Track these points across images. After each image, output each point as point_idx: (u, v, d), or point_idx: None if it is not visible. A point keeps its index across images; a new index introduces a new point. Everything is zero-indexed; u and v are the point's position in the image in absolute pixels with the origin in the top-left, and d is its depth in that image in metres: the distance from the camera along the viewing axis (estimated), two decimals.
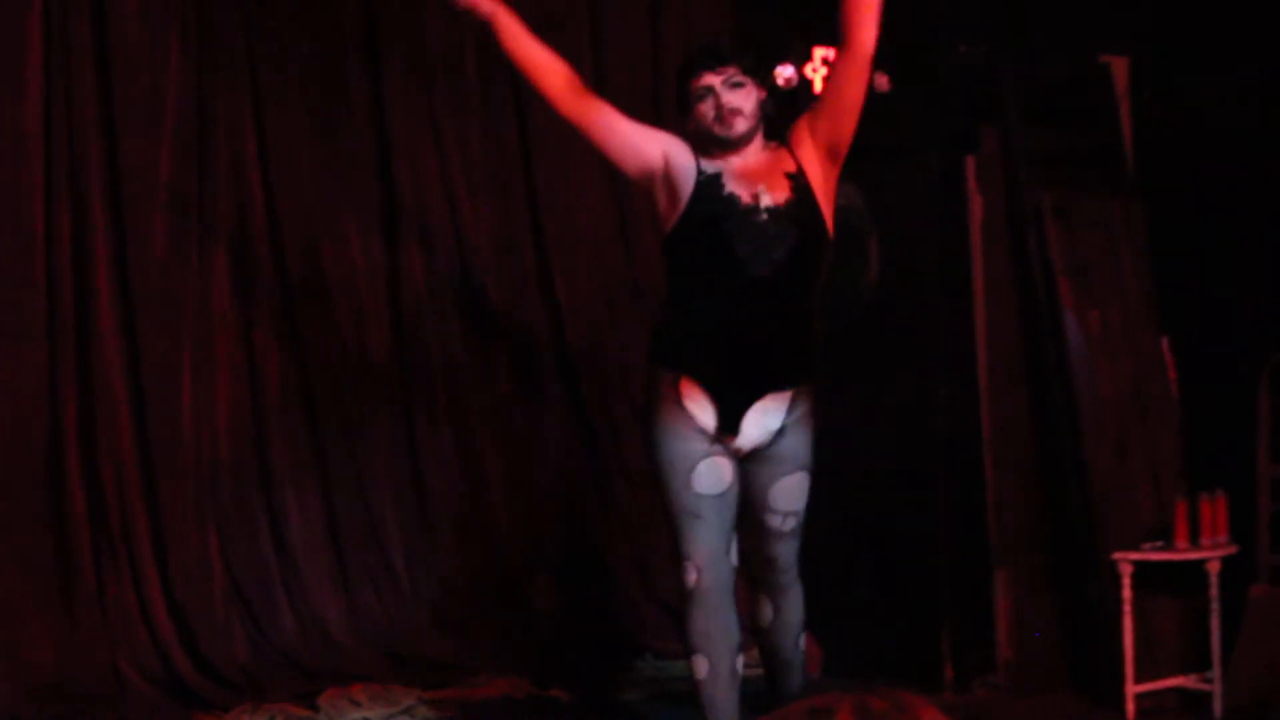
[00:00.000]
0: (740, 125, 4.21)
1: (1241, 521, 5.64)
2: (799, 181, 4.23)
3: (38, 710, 4.86)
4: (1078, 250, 6.16)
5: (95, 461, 5.18)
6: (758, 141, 4.28)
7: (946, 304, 6.20)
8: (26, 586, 5.03)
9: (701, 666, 4.29)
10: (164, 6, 5.34)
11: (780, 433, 4.30)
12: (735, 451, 4.28)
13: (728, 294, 4.19)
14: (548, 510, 5.81)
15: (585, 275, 5.91)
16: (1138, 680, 5.57)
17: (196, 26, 5.41)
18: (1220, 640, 5.53)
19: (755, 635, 4.64)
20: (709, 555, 4.27)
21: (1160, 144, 6.39)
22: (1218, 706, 5.51)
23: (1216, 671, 5.53)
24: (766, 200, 4.20)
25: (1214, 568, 5.53)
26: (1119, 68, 6.43)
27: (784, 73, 6.18)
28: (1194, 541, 5.58)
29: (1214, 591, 5.52)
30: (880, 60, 6.18)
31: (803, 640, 4.63)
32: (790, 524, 4.42)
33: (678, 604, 5.68)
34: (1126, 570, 5.59)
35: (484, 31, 4.38)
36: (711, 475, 4.26)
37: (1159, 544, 5.65)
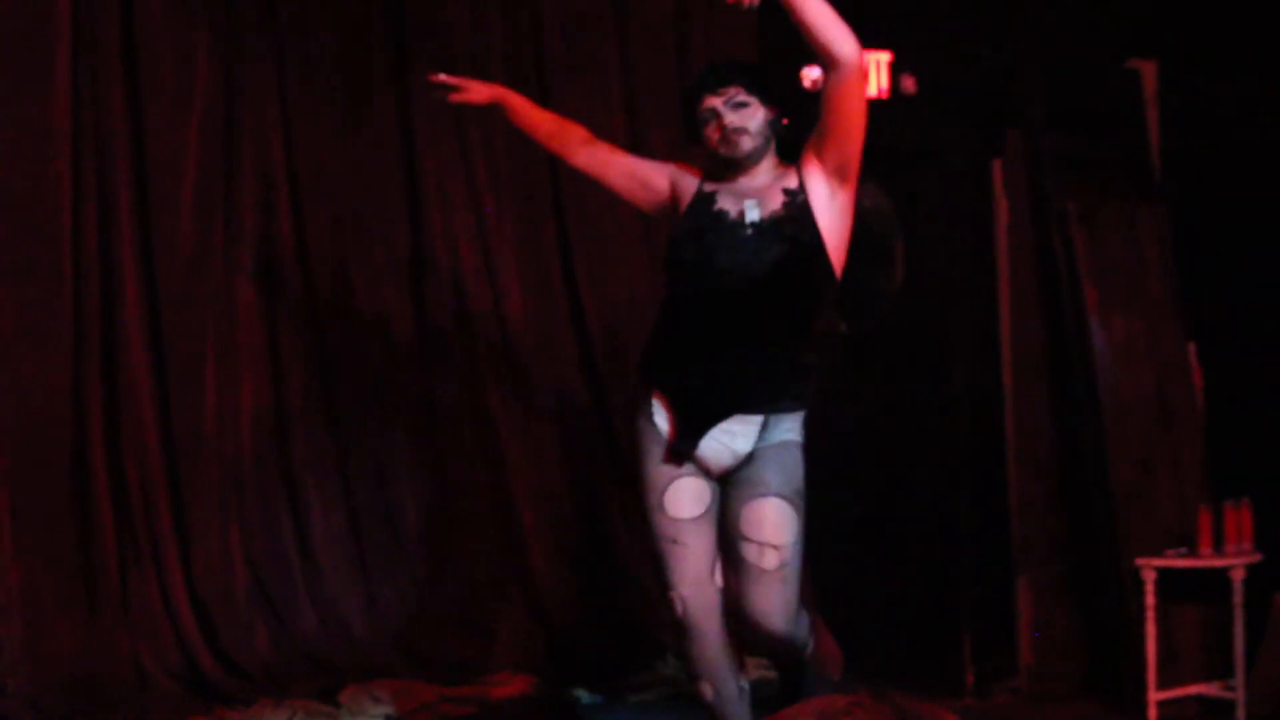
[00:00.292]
0: (745, 144, 4.10)
1: (1266, 529, 5.63)
2: (795, 198, 4.08)
3: (61, 703, 4.88)
4: (1103, 255, 6.16)
5: (120, 458, 5.20)
6: (769, 161, 4.16)
7: (971, 308, 6.20)
8: (51, 581, 5.05)
9: (706, 691, 4.23)
10: (192, 6, 5.36)
11: (750, 457, 4.08)
12: (709, 473, 4.13)
13: (702, 308, 4.08)
14: (569, 511, 5.81)
15: (611, 281, 5.92)
16: (1160, 687, 5.56)
17: (224, 26, 5.43)
18: (1244, 648, 5.51)
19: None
20: (692, 583, 4.12)
21: (1187, 149, 6.37)
22: (1240, 714, 5.50)
23: (1239, 679, 5.51)
24: (754, 214, 4.08)
25: (1238, 575, 5.51)
26: (1147, 73, 6.42)
27: (810, 74, 6.17)
28: (1218, 548, 5.57)
29: (1237, 599, 5.51)
30: (906, 63, 6.22)
31: (811, 644, 4.38)
32: (770, 560, 4.03)
33: None
34: (1149, 577, 5.58)
35: (496, 111, 4.47)
36: (685, 497, 4.11)
37: (1182, 551, 5.63)
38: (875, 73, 6.27)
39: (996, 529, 5.96)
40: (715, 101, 4.13)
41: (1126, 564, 5.70)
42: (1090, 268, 6.12)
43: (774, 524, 4.03)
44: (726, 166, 4.15)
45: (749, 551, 4.04)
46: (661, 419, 4.14)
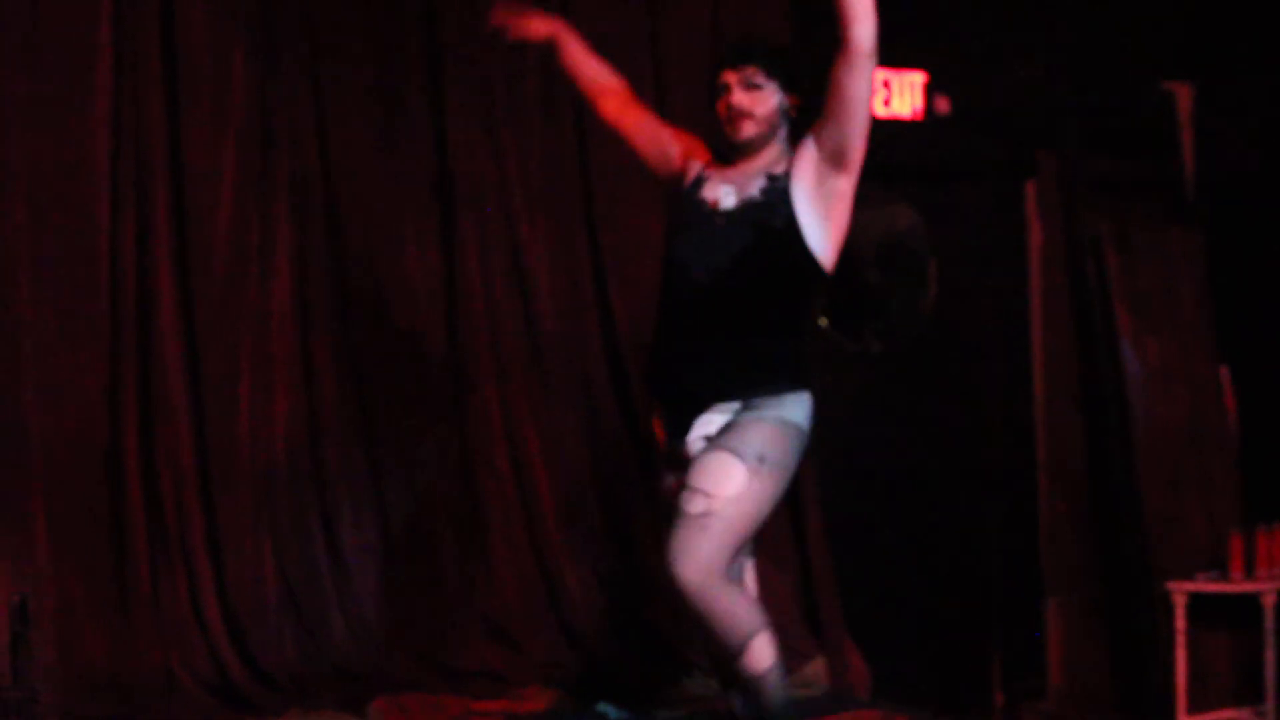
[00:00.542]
0: (747, 129, 4.03)
1: None
2: (776, 184, 3.97)
3: (92, 709, 4.90)
4: (1136, 278, 6.15)
5: (154, 465, 5.23)
6: (775, 149, 4.07)
7: (1003, 329, 6.19)
8: (84, 588, 5.08)
9: (736, 703, 4.11)
10: (230, 17, 5.41)
11: (725, 427, 3.98)
12: None
13: (678, 305, 4.03)
14: (599, 525, 5.81)
15: (641, 287, 5.92)
16: (1189, 711, 5.54)
17: (261, 40, 5.47)
18: (1275, 674, 5.48)
19: None
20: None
21: (1222, 172, 6.36)
22: None
23: (1269, 704, 5.49)
24: (728, 203, 4.00)
25: (1269, 600, 5.49)
26: (1182, 95, 6.41)
27: None
28: (1249, 573, 5.55)
29: (1269, 624, 5.48)
30: (941, 84, 6.23)
31: (756, 646, 4.02)
32: (694, 505, 3.86)
33: None
34: (1180, 600, 5.56)
35: (546, 49, 4.42)
36: None
37: (1214, 575, 5.62)
38: (910, 94, 6.30)
39: (1027, 550, 5.95)
40: (732, 77, 4.07)
41: (1157, 587, 5.68)
42: (1123, 290, 6.12)
43: (710, 473, 3.89)
44: (730, 148, 4.09)
45: (682, 496, 3.94)
46: (660, 424, 4.14)
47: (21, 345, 5.07)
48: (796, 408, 3.98)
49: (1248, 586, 5.50)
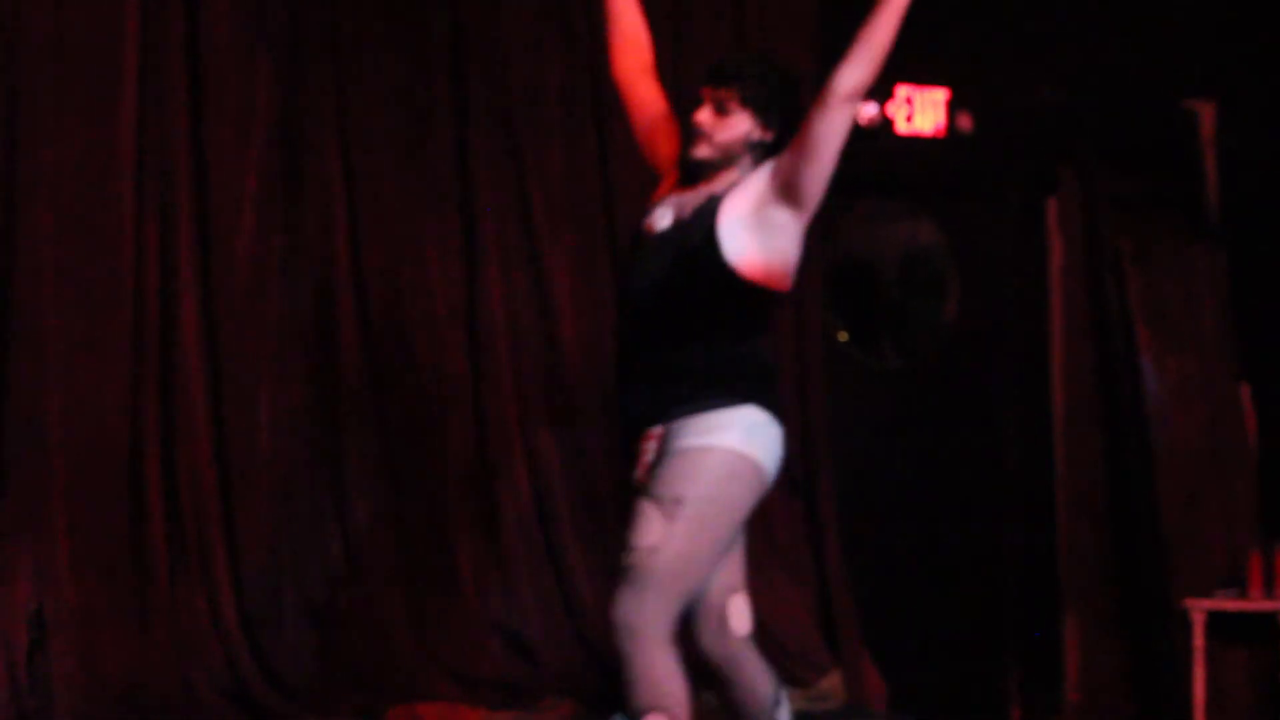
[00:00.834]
0: (701, 150, 3.81)
1: None
2: (710, 205, 3.75)
3: (109, 716, 4.93)
4: (1156, 295, 6.15)
5: (174, 475, 5.26)
6: (731, 175, 3.82)
7: (1023, 345, 6.19)
8: (102, 595, 5.11)
9: None
10: (255, 28, 5.44)
11: (655, 465, 3.77)
12: None
13: (619, 333, 3.96)
14: (618, 534, 5.82)
15: None
16: None
17: (287, 53, 5.51)
18: None
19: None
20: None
21: (1244, 191, 6.36)
22: None
23: None
24: (664, 223, 3.84)
25: None
26: (1205, 113, 6.41)
27: (867, 111, 6.20)
28: (1268, 591, 5.53)
29: None
30: (963, 101, 6.24)
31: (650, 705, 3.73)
32: (622, 556, 3.67)
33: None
34: (1198, 618, 5.55)
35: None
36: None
37: (1232, 592, 5.60)
38: (932, 110, 6.31)
39: (1045, 565, 5.94)
40: (707, 93, 3.86)
41: (1175, 604, 5.67)
42: (1143, 307, 6.11)
43: (633, 522, 3.69)
44: (685, 166, 3.91)
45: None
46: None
47: (45, 353, 5.11)
48: (726, 430, 3.69)
49: (1266, 604, 5.49)
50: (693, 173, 3.87)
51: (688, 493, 3.64)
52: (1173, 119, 6.45)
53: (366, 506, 5.52)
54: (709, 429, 3.68)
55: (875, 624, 5.89)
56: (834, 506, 6.01)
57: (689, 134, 3.84)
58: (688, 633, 3.82)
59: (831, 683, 5.71)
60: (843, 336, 6.41)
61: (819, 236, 6.04)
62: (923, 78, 6.22)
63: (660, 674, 3.64)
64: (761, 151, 3.79)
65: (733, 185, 3.78)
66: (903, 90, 6.22)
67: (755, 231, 3.71)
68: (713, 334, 3.75)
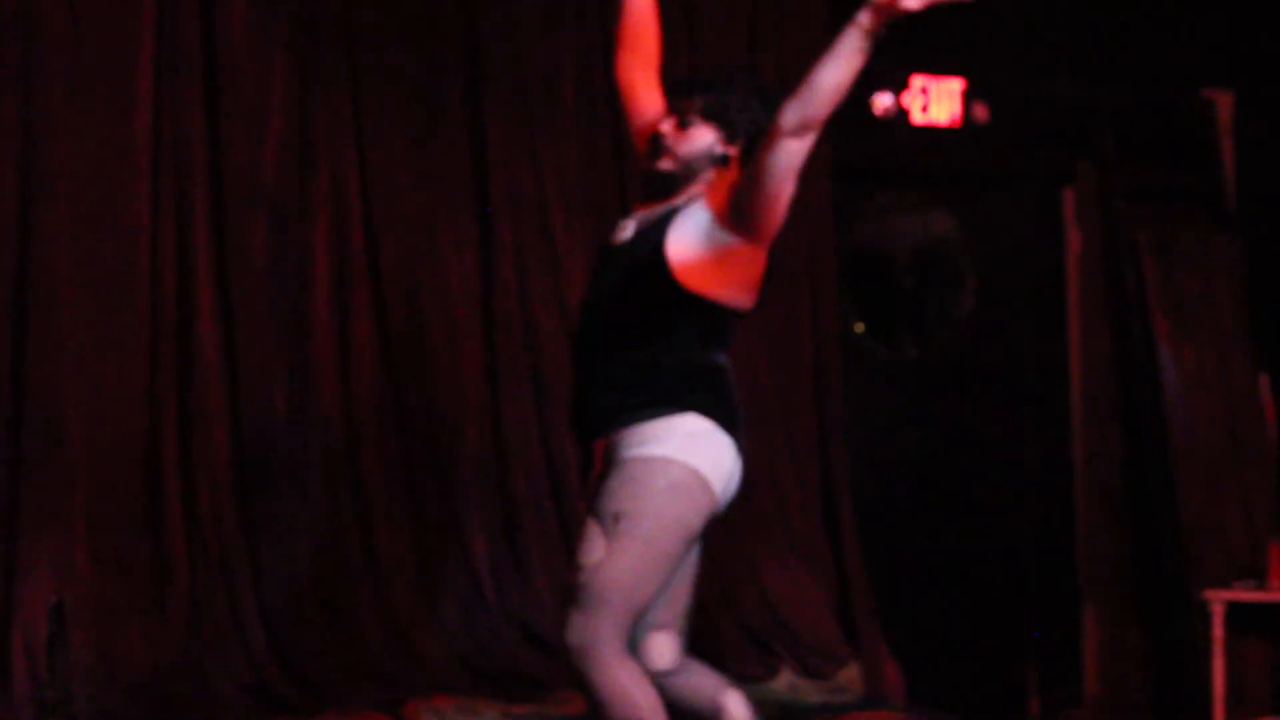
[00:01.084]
0: (663, 162, 3.74)
1: None
2: (666, 216, 3.68)
3: (128, 710, 4.93)
4: (1175, 286, 6.14)
5: (192, 470, 5.26)
6: (693, 190, 3.72)
7: (1041, 335, 6.18)
8: (121, 589, 5.12)
9: None
10: (269, 25, 5.45)
11: (603, 477, 3.68)
12: None
13: (576, 337, 3.89)
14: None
15: None
16: None
17: (302, 48, 5.51)
18: None
19: None
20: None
21: (1262, 180, 6.34)
22: None
23: None
24: (622, 237, 3.78)
25: None
26: (1222, 103, 6.39)
27: (882, 101, 6.19)
28: None
29: None
30: (978, 91, 6.22)
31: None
32: (572, 576, 3.61)
33: (759, 627, 5.75)
34: (1218, 609, 5.54)
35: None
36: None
37: (1251, 583, 5.59)
38: (948, 100, 6.29)
39: (1063, 557, 5.93)
40: (675, 104, 3.79)
41: (1195, 596, 5.66)
42: (1161, 298, 6.10)
43: (580, 541, 3.63)
44: (648, 180, 3.84)
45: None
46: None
47: (63, 350, 5.12)
48: (663, 440, 3.59)
49: None
50: (658, 186, 3.78)
51: (626, 507, 3.54)
52: (1190, 109, 6.43)
53: (384, 499, 5.52)
54: (645, 440, 3.59)
55: (893, 616, 5.88)
56: (851, 499, 6.01)
57: (653, 146, 3.76)
58: None
59: (850, 675, 5.71)
60: (859, 328, 6.40)
61: (836, 228, 6.06)
62: (938, 68, 6.20)
63: (625, 686, 3.57)
64: (726, 165, 3.70)
65: (692, 200, 3.69)
66: (918, 80, 6.21)
67: (705, 247, 3.61)
68: (658, 344, 3.64)
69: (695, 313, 3.64)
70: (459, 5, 5.71)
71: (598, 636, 3.56)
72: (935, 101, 6.27)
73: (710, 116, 3.71)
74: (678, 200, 3.72)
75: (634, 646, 3.72)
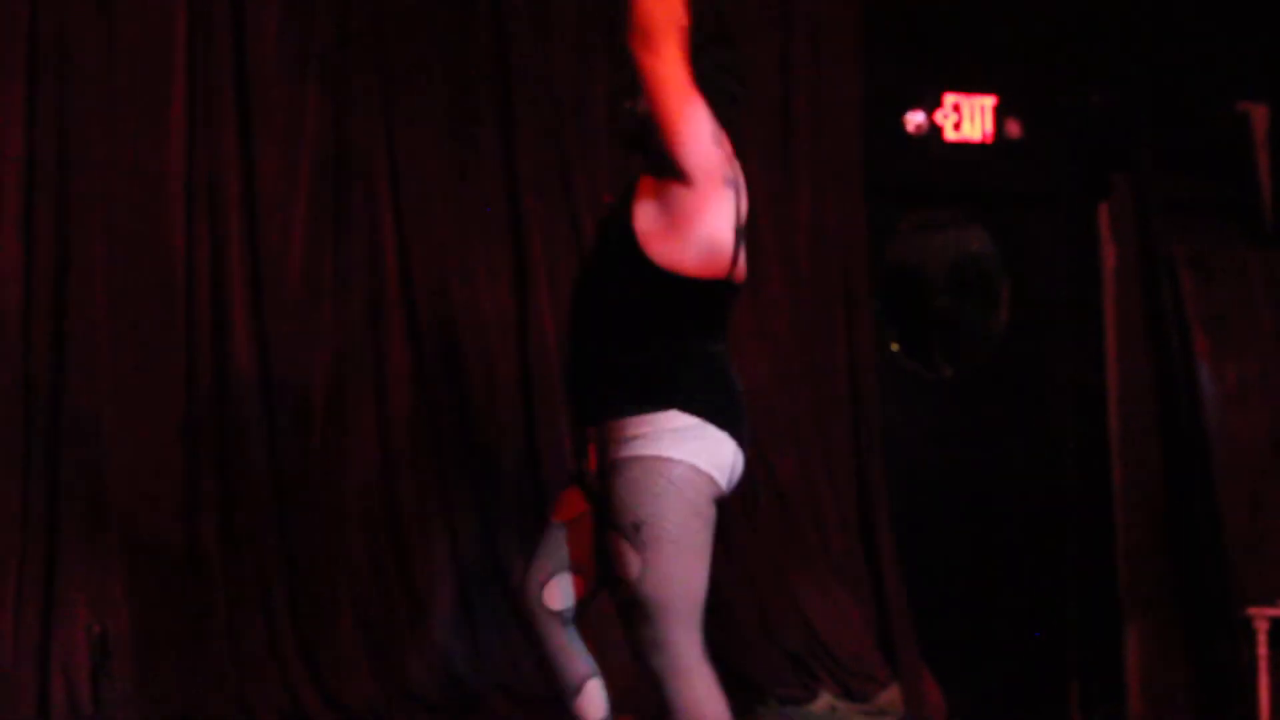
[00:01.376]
0: (624, 123, 3.73)
1: None
2: (630, 185, 3.67)
3: None
4: (1213, 300, 6.10)
5: (229, 498, 5.27)
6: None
7: (1078, 352, 6.14)
8: (160, 618, 5.12)
9: None
10: (302, 52, 5.46)
11: (601, 474, 3.66)
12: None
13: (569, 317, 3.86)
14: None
15: None
16: None
17: (334, 75, 5.52)
18: None
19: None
20: (515, 580, 3.86)
21: None
22: None
23: None
24: (606, 213, 3.79)
25: None
26: (1258, 116, 6.36)
27: (914, 119, 6.17)
28: None
29: None
30: (1011, 107, 6.20)
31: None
32: (620, 595, 3.58)
33: (798, 649, 5.72)
34: (1262, 626, 5.49)
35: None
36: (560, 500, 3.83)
37: None
38: (980, 117, 6.27)
39: (1104, 576, 5.89)
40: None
41: (1239, 613, 5.61)
42: (1200, 313, 6.06)
43: (616, 560, 3.59)
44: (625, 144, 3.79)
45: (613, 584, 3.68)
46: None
47: (100, 379, 5.14)
48: (648, 440, 3.56)
49: None
50: (634, 141, 3.71)
51: (641, 515, 3.53)
52: (1225, 122, 6.40)
53: (421, 526, 5.52)
54: (633, 436, 3.56)
55: (934, 637, 5.85)
56: (890, 519, 5.98)
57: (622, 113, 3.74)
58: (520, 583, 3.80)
59: (890, 696, 5.68)
60: (894, 347, 6.37)
61: (870, 247, 6.04)
62: (970, 85, 6.18)
63: (699, 696, 3.58)
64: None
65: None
66: (950, 98, 6.19)
67: (657, 206, 3.57)
68: (640, 330, 3.61)
69: (671, 291, 3.59)
70: (491, 31, 5.72)
71: (676, 645, 3.55)
72: (968, 119, 6.25)
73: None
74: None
75: (542, 585, 3.75)
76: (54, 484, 5.06)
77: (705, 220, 3.57)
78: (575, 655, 3.83)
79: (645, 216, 3.58)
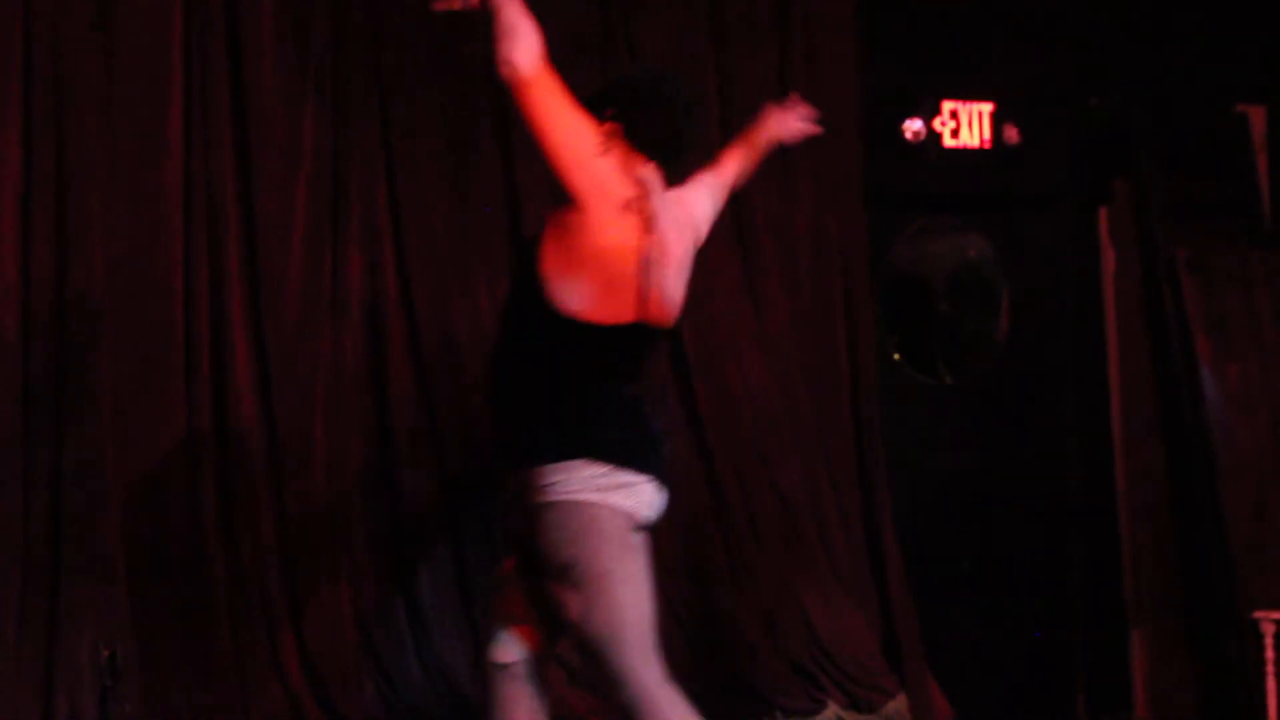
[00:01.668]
0: None
1: None
2: (539, 234, 3.67)
3: None
4: (1214, 303, 6.09)
5: (232, 515, 5.25)
6: None
7: (1079, 357, 6.14)
8: (165, 639, 5.11)
9: None
10: (299, 66, 5.45)
11: (524, 517, 3.66)
12: None
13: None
14: (675, 566, 5.79)
15: (712, 328, 5.91)
16: None
17: (331, 87, 5.51)
18: None
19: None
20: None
21: None
22: None
23: None
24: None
25: None
26: (1256, 117, 6.35)
27: (912, 126, 6.17)
28: None
29: None
30: (1008, 112, 6.19)
31: None
32: (571, 640, 3.61)
33: (805, 659, 5.70)
34: (1269, 630, 5.48)
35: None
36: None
37: None
38: (978, 123, 6.26)
39: (1109, 580, 5.88)
40: None
41: (1244, 616, 5.60)
42: (1201, 315, 6.05)
43: (560, 606, 3.60)
44: None
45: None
46: None
47: (100, 400, 5.12)
48: (560, 487, 3.56)
49: None
50: None
51: (567, 556, 3.53)
52: (1224, 124, 6.39)
53: (423, 542, 5.50)
54: (545, 485, 3.56)
55: (939, 643, 5.84)
56: (893, 528, 5.97)
57: None
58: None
59: (897, 706, 5.66)
60: (896, 354, 6.36)
61: (870, 254, 6.03)
62: (968, 92, 6.17)
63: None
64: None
65: None
66: (948, 105, 6.18)
67: (562, 257, 3.56)
68: (547, 378, 3.59)
69: (578, 339, 3.56)
70: (487, 40, 5.70)
71: (634, 674, 3.56)
72: (966, 125, 6.24)
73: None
74: None
75: (490, 637, 3.75)
76: (56, 508, 5.05)
77: (596, 245, 3.55)
78: (517, 711, 3.79)
79: (549, 251, 3.57)
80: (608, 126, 3.69)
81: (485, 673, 3.81)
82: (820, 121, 6.08)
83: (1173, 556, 5.90)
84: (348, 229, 5.50)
